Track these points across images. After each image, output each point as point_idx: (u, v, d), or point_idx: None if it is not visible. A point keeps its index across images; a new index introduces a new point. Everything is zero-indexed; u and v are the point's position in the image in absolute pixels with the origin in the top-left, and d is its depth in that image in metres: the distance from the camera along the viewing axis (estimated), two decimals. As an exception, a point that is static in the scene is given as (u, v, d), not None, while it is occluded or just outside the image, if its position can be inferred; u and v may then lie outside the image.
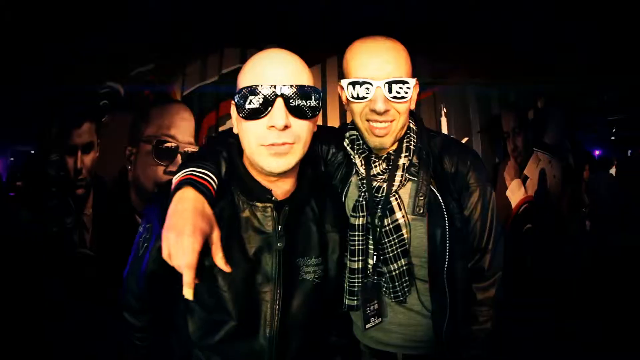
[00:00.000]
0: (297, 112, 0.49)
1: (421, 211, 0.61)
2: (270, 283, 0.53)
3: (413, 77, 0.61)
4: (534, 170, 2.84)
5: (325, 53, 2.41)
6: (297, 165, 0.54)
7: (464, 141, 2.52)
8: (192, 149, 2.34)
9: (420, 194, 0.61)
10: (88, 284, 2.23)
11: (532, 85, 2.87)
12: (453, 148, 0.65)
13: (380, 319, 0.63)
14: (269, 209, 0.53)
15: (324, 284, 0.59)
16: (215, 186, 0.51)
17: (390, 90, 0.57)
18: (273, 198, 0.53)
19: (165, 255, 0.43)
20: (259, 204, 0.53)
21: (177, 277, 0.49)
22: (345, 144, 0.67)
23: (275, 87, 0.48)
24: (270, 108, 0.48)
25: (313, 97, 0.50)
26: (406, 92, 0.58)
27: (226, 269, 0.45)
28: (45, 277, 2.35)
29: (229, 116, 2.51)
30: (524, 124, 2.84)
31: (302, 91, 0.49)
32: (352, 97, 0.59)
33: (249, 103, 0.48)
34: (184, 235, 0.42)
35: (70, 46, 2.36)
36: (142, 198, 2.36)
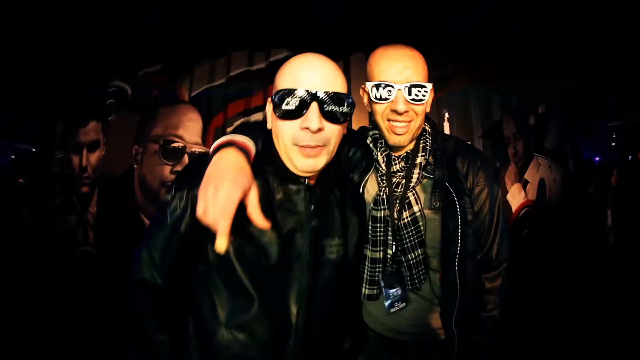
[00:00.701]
0: (330, 116, 0.53)
1: (437, 205, 0.67)
2: (302, 261, 0.55)
3: (429, 82, 0.68)
4: (534, 174, 2.88)
5: (332, 57, 2.44)
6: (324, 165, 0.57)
7: (466, 145, 2.56)
8: (199, 149, 2.37)
9: (437, 190, 0.67)
10: (91, 282, 2.24)
11: (533, 91, 2.90)
12: (465, 150, 0.72)
13: (404, 304, 0.68)
14: (302, 191, 0.57)
15: (344, 264, 0.62)
16: (253, 152, 0.54)
17: (409, 93, 0.64)
18: (307, 183, 0.57)
19: (200, 211, 0.43)
20: (292, 186, 0.57)
21: (206, 251, 0.52)
22: (368, 142, 0.74)
23: (311, 91, 0.52)
24: (305, 111, 0.52)
25: (345, 103, 0.54)
26: (424, 95, 0.65)
27: (265, 225, 0.46)
28: (49, 275, 2.36)
29: (236, 118, 2.54)
30: (525, 129, 2.87)
31: (336, 97, 0.53)
32: (376, 98, 0.66)
33: (286, 104, 0.52)
34: (224, 184, 0.42)
35: (79, 46, 2.39)
36: (148, 197, 2.39)
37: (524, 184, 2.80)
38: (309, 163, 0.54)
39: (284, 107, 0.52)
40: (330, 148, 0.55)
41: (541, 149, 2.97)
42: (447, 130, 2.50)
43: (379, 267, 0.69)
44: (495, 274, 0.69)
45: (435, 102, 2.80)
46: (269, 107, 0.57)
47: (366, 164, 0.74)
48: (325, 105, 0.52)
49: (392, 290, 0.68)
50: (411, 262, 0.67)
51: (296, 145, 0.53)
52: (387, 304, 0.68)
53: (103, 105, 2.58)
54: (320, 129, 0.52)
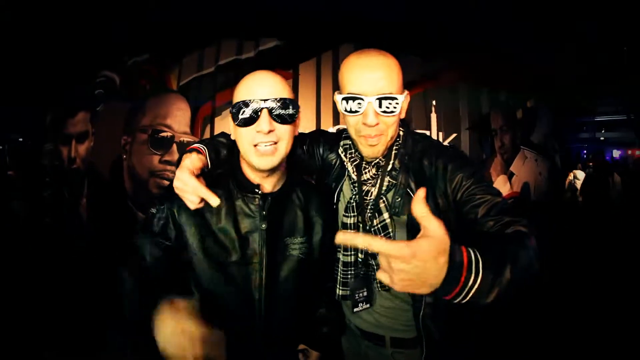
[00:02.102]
0: (278, 118, 0.63)
1: (397, 212, 0.66)
2: (258, 256, 0.67)
3: (404, 89, 0.66)
4: (520, 167, 2.94)
5: (321, 47, 2.44)
6: (283, 164, 0.68)
7: (452, 137, 2.61)
8: (188, 138, 2.37)
9: (397, 197, 0.67)
10: (83, 272, 2.25)
11: (522, 87, 2.94)
12: (432, 150, 0.69)
13: (368, 305, 0.72)
14: (256, 199, 0.68)
15: (308, 259, 0.72)
16: (207, 152, 0.68)
17: (380, 105, 0.62)
18: (260, 192, 0.69)
19: (179, 192, 0.61)
20: (249, 195, 0.68)
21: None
22: (339, 152, 0.74)
23: (261, 100, 0.62)
24: (258, 117, 0.62)
25: (291, 107, 0.64)
26: (395, 107, 0.63)
27: (213, 201, 0.59)
28: (41, 266, 2.35)
29: (225, 107, 2.54)
30: (513, 123, 2.92)
31: (282, 102, 0.63)
32: (346, 110, 0.65)
33: (242, 113, 0.63)
34: (185, 177, 0.60)
35: (67, 36, 2.34)
36: (137, 186, 2.38)
37: (510, 176, 2.87)
38: (265, 160, 0.64)
39: (240, 116, 0.63)
40: (282, 144, 0.65)
41: (528, 143, 3.03)
42: (434, 122, 2.54)
43: (350, 270, 0.71)
44: (512, 220, 0.56)
45: (422, 94, 2.82)
46: (231, 120, 0.67)
47: (340, 170, 0.75)
48: (273, 110, 0.63)
49: (359, 291, 0.70)
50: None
51: (252, 145, 0.64)
52: (351, 303, 0.71)
53: (91, 96, 2.55)
54: (271, 130, 0.62)
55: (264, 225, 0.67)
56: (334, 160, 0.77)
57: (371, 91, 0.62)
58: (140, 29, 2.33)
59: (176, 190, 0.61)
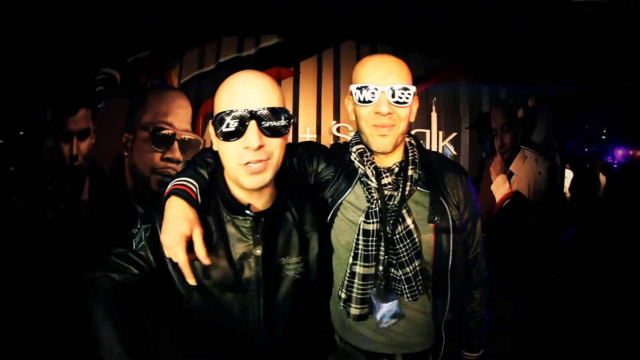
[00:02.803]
0: (269, 131, 0.54)
1: (436, 219, 0.68)
2: (254, 283, 0.60)
3: (415, 93, 0.69)
4: (520, 166, 2.94)
5: (322, 45, 2.44)
6: (271, 180, 0.59)
7: (452, 136, 2.61)
8: (189, 136, 2.38)
9: (434, 205, 0.69)
10: (84, 269, 2.26)
11: (523, 86, 2.94)
12: (451, 166, 0.74)
13: (396, 319, 0.68)
14: (248, 222, 0.59)
15: (305, 278, 0.65)
16: (196, 189, 0.58)
17: (393, 95, 0.65)
18: (251, 213, 0.59)
19: (166, 254, 0.54)
20: (240, 217, 0.59)
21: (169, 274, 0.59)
22: (353, 158, 0.72)
23: (248, 110, 0.52)
24: (244, 130, 0.52)
25: (283, 117, 0.54)
26: (407, 98, 0.66)
27: (206, 261, 0.53)
28: (41, 263, 2.37)
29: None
30: (513, 122, 2.92)
31: (273, 112, 0.53)
32: (360, 100, 0.67)
33: (226, 126, 0.52)
34: (172, 241, 0.52)
35: (67, 33, 2.34)
36: (139, 184, 2.40)
37: (509, 176, 2.87)
38: (255, 180, 0.55)
39: (224, 129, 0.53)
40: (274, 161, 0.56)
41: (529, 142, 3.03)
42: (434, 121, 2.54)
43: (371, 283, 0.68)
44: (478, 271, 0.76)
45: (424, 92, 2.83)
46: (211, 130, 0.56)
47: (346, 178, 0.73)
48: (263, 122, 0.53)
49: (386, 305, 0.67)
50: (410, 274, 0.67)
51: (240, 164, 0.55)
52: (379, 317, 0.67)
53: (92, 93, 2.55)
54: (261, 146, 0.53)
55: (258, 251, 0.60)
56: (332, 174, 0.74)
57: (384, 83, 0.65)
58: (141, 27, 2.33)
59: (164, 247, 0.53)
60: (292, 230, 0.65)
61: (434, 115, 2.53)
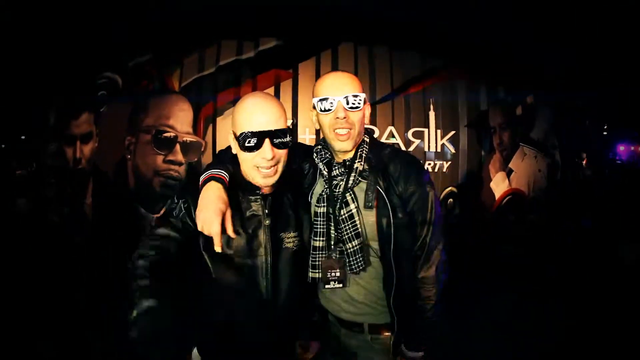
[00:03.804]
0: (279, 146, 0.75)
1: (370, 205, 0.81)
2: (263, 248, 0.79)
3: (366, 100, 0.83)
4: (519, 164, 2.95)
5: (320, 46, 2.47)
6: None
7: (450, 135, 2.63)
8: (191, 138, 2.41)
9: (369, 192, 0.81)
10: (88, 272, 2.29)
11: (522, 85, 2.94)
12: (398, 159, 0.84)
13: (341, 285, 0.82)
14: (259, 200, 0.80)
15: (301, 251, 0.84)
16: (228, 178, 0.78)
17: (347, 103, 0.80)
18: (261, 193, 0.80)
19: (199, 227, 0.69)
20: (251, 197, 0.80)
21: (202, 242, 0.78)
22: (313, 156, 0.89)
23: (264, 132, 0.73)
24: (261, 146, 0.73)
25: (287, 134, 0.76)
26: (359, 103, 0.81)
27: (232, 235, 0.71)
28: (46, 265, 2.40)
29: (226, 107, 2.57)
30: (512, 119, 2.93)
31: (281, 132, 0.75)
32: (321, 110, 0.82)
33: (248, 142, 0.74)
34: (211, 215, 0.68)
35: (67, 36, 2.37)
36: (142, 186, 2.43)
37: (509, 173, 2.88)
38: (267, 181, 0.77)
39: (246, 144, 0.74)
40: (281, 165, 0.78)
41: (528, 139, 3.03)
42: (432, 120, 2.56)
43: (320, 254, 0.82)
44: (429, 265, 0.81)
45: (421, 92, 2.83)
46: (233, 139, 0.78)
47: (313, 174, 0.90)
48: (274, 139, 0.74)
49: (329, 271, 0.81)
50: (350, 250, 0.80)
51: (256, 167, 0.76)
52: (323, 280, 0.82)
53: (95, 97, 2.58)
54: (273, 157, 0.74)
55: (267, 222, 0.79)
56: (308, 168, 0.91)
57: (339, 93, 0.80)
58: (141, 31, 2.36)
59: (197, 221, 0.69)
60: (289, 211, 0.84)
61: (432, 114, 2.55)
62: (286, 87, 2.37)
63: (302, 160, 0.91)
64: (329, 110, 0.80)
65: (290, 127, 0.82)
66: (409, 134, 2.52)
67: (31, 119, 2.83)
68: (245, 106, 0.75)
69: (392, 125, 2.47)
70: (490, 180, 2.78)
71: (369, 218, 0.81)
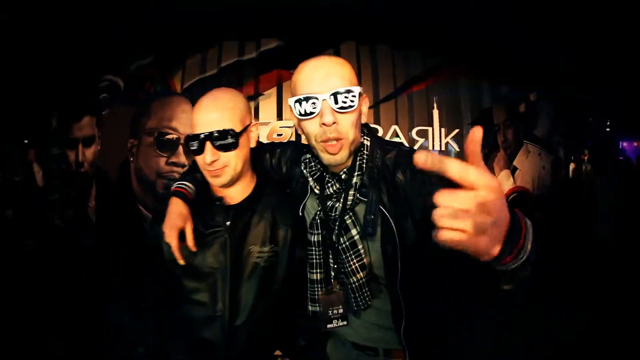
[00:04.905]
0: (221, 148, 0.69)
1: (370, 231, 0.61)
2: (223, 262, 0.72)
3: (361, 88, 0.62)
4: (524, 161, 2.93)
5: (321, 46, 2.45)
6: (237, 178, 0.72)
7: (454, 133, 2.61)
8: (193, 140, 2.39)
9: (369, 215, 0.62)
10: (92, 274, 2.29)
11: (525, 83, 2.92)
12: (404, 160, 0.63)
13: (345, 322, 0.67)
14: (220, 210, 0.74)
15: (275, 269, 0.74)
16: (192, 190, 0.73)
17: (336, 102, 0.58)
18: (219, 203, 0.75)
19: (166, 240, 0.67)
20: (215, 208, 0.74)
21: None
22: (302, 167, 0.71)
23: (204, 134, 0.68)
24: (203, 149, 0.68)
25: (229, 137, 0.68)
26: (352, 101, 0.58)
27: (193, 248, 0.67)
28: (50, 268, 2.40)
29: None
30: (515, 117, 2.91)
31: (220, 134, 0.68)
32: (300, 114, 0.60)
33: (191, 146, 0.69)
34: (169, 231, 0.66)
35: (71, 40, 2.37)
36: (145, 189, 2.43)
37: (513, 171, 2.86)
38: (215, 180, 0.71)
39: (190, 148, 0.70)
40: (230, 168, 0.70)
41: (531, 136, 3.01)
42: (436, 119, 2.54)
43: (318, 288, 0.67)
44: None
45: (425, 90, 2.81)
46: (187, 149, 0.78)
47: (304, 184, 0.72)
48: (215, 142, 0.68)
49: (330, 309, 0.66)
50: (354, 285, 0.63)
51: (205, 170, 0.71)
52: (324, 320, 0.67)
53: (96, 100, 2.58)
54: (214, 160, 0.68)
55: (226, 235, 0.72)
56: (298, 175, 0.74)
57: (324, 89, 0.58)
58: (143, 32, 2.36)
59: (164, 234, 0.67)
60: (262, 222, 0.75)
61: (435, 112, 2.53)
62: (289, 88, 2.36)
63: (293, 161, 0.77)
64: (312, 114, 0.59)
65: (252, 125, 0.72)
66: (413, 132, 2.51)
67: (33, 123, 2.83)
68: (196, 106, 0.70)
69: (396, 124, 2.46)
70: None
71: (374, 244, 0.63)
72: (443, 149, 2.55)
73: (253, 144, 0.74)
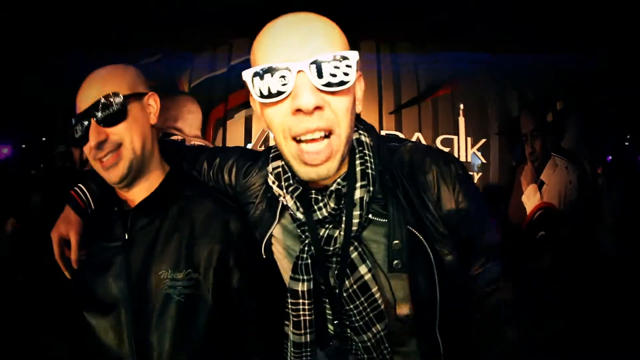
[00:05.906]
0: (106, 121, 0.58)
1: (399, 266, 0.43)
2: (125, 291, 0.53)
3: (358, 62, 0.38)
4: (551, 175, 2.74)
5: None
6: (139, 169, 0.57)
7: (481, 143, 2.43)
8: (199, 142, 2.28)
9: (395, 241, 0.43)
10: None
11: (550, 88, 2.76)
12: (427, 159, 0.46)
13: None
14: (117, 219, 0.56)
15: (194, 301, 0.53)
16: (86, 197, 0.61)
17: (320, 74, 0.37)
18: (117, 209, 0.57)
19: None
20: (112, 215, 0.56)
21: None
22: (270, 182, 0.48)
23: (83, 111, 0.59)
24: (88, 132, 0.59)
25: (114, 104, 0.58)
26: (346, 74, 0.37)
27: (74, 264, 0.55)
28: (52, 268, 2.33)
29: (237, 109, 2.46)
30: (543, 126, 2.73)
31: (101, 104, 0.57)
32: (262, 95, 0.40)
33: (76, 134, 0.59)
34: (53, 241, 0.57)
35: (76, 36, 2.32)
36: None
37: (540, 185, 2.67)
38: (112, 174, 0.57)
39: (75, 137, 0.60)
40: (127, 147, 0.57)
41: (559, 148, 2.83)
42: (462, 126, 2.37)
43: (306, 352, 0.47)
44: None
45: (450, 95, 2.66)
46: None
47: (267, 209, 0.50)
48: (97, 113, 0.56)
49: None
50: (369, 343, 0.44)
51: (96, 160, 0.58)
52: None
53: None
54: (101, 141, 0.57)
55: (123, 255, 0.54)
56: (253, 198, 0.52)
57: (301, 56, 0.37)
58: (149, 31, 2.29)
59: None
60: (180, 241, 0.54)
61: (461, 120, 2.37)
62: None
63: (247, 172, 0.57)
64: (280, 94, 0.39)
65: (149, 95, 0.59)
66: (438, 141, 2.34)
67: (40, 121, 2.81)
68: (78, 91, 0.59)
69: (420, 131, 2.30)
70: (522, 193, 2.57)
71: (398, 281, 0.45)
72: (469, 160, 2.38)
73: (153, 120, 0.60)
